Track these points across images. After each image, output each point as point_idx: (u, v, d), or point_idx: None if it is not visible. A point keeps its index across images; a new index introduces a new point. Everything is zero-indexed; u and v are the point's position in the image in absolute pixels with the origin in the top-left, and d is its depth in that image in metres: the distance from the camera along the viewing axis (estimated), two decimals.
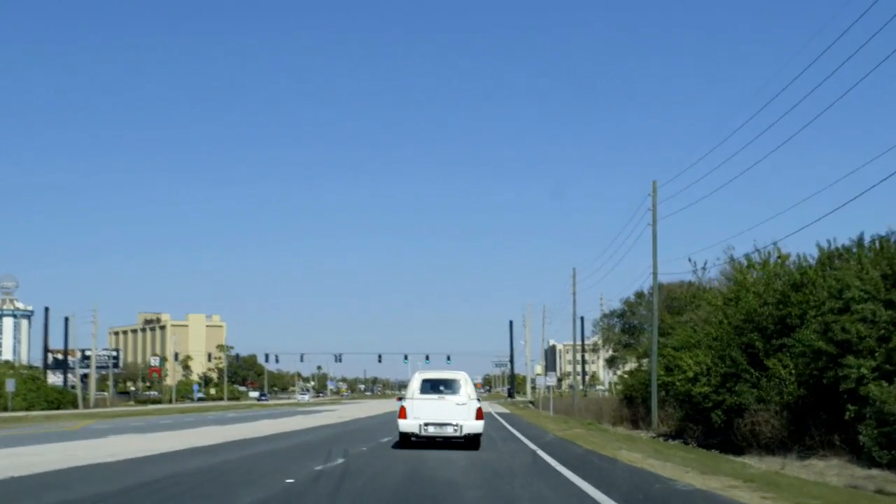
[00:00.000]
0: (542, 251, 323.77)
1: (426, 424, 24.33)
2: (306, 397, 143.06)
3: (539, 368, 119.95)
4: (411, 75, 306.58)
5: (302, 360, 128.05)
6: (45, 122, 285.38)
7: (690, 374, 35.37)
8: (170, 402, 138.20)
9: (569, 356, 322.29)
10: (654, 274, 44.09)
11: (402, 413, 24.68)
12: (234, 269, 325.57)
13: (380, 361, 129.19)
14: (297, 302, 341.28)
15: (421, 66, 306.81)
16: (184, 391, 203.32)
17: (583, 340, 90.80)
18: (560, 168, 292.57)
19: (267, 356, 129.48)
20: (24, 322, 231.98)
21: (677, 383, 36.89)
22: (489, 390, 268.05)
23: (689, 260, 44.44)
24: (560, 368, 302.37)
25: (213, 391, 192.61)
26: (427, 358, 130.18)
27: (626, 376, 56.96)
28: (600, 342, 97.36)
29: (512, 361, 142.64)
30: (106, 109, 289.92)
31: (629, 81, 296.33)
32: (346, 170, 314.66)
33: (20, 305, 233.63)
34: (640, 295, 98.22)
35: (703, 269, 46.63)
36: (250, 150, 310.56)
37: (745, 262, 37.75)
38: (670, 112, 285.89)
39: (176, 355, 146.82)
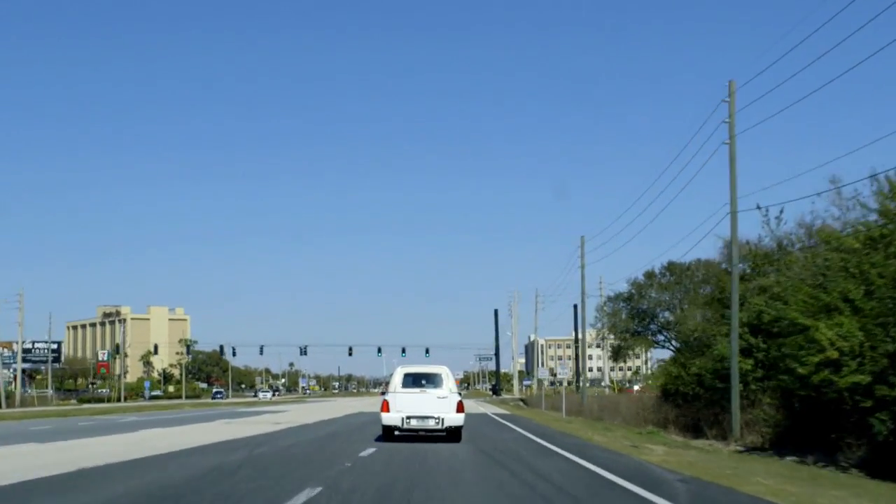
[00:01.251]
0: (528, 240, 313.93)
1: (408, 417, 24.56)
2: (268, 395, 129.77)
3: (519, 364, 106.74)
4: (396, 73, 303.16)
5: (262, 352, 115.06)
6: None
7: (833, 355, 21.74)
8: (118, 400, 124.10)
9: (551, 351, 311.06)
10: (733, 213, 30.66)
11: (385, 406, 24.91)
12: (200, 261, 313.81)
13: (350, 354, 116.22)
14: (267, 295, 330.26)
15: (407, 64, 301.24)
16: (141, 388, 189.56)
17: (583, 330, 77.50)
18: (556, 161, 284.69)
19: (222, 348, 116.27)
20: None
21: (799, 369, 23.23)
22: (468, 387, 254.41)
23: (759, 207, 29.75)
24: (542, 365, 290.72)
25: (171, 388, 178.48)
26: (403, 351, 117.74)
27: (667, 365, 43.27)
28: (605, 331, 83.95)
29: (497, 355, 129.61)
30: (69, 105, 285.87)
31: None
32: (309, 164, 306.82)
33: None
34: (650, 275, 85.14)
35: (779, 218, 33.19)
36: (222, 145, 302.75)
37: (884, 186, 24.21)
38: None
39: (117, 348, 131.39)
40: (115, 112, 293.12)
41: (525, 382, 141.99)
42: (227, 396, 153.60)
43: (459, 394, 25.78)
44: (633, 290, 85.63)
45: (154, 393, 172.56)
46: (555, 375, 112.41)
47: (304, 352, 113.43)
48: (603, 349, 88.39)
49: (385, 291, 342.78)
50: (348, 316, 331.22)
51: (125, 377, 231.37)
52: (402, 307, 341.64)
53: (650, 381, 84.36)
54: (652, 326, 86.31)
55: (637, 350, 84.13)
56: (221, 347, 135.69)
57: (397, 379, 25.42)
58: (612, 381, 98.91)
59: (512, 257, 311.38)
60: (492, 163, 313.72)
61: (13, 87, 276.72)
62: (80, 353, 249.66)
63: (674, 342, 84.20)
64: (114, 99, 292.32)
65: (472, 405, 76.10)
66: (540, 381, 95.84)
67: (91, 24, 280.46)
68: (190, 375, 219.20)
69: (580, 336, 70.79)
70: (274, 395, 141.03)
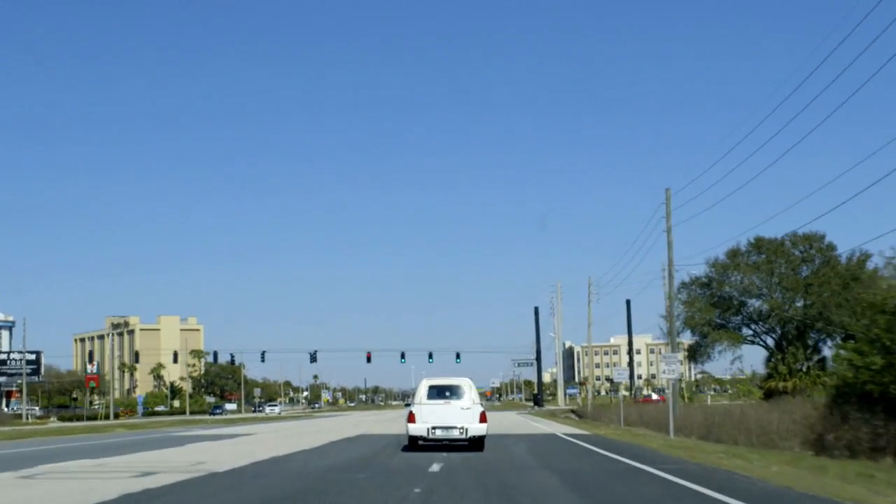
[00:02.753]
0: (562, 237, 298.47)
1: (433, 428, 25.39)
2: (275, 409, 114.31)
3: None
4: (398, 83, 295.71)
5: (263, 359, 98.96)
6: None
7: None
8: (106, 418, 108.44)
9: (587, 359, 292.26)
10: None
11: (411, 418, 25.75)
12: (213, 270, 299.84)
13: (368, 361, 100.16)
14: (285, 305, 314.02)
15: (413, 73, 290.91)
16: (147, 403, 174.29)
17: (671, 320, 61.04)
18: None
19: (233, 358, 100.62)
20: (6, 333, 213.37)
21: None
22: (500, 398, 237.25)
23: None
24: (579, 373, 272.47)
25: (177, 403, 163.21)
26: (430, 357, 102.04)
27: (858, 351, 26.18)
28: (680, 324, 67.20)
29: (539, 360, 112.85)
30: (80, 119, 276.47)
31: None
32: (333, 164, 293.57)
33: (0, 315, 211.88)
34: (734, 254, 68.66)
35: None
36: (228, 157, 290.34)
37: None
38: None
39: (114, 358, 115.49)
40: (124, 123, 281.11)
41: (569, 391, 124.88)
42: (241, 410, 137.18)
43: (482, 405, 26.60)
44: (714, 273, 68.92)
45: (159, 408, 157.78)
46: (610, 381, 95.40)
47: (314, 358, 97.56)
48: (678, 349, 71.09)
49: (409, 292, 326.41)
50: (370, 321, 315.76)
51: (134, 391, 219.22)
52: (428, 309, 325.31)
53: (748, 386, 67.68)
54: (735, 319, 69.76)
55: (719, 348, 67.34)
56: (233, 357, 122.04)
57: (422, 391, 26.09)
58: (687, 387, 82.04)
59: (549, 252, 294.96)
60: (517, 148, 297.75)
61: (22, 101, 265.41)
62: (89, 367, 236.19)
63: (770, 336, 67.45)
64: (118, 113, 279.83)
65: (517, 420, 59.57)
66: (641, 386, 78.86)
67: (104, 38, 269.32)
68: (203, 389, 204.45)
69: (670, 326, 54.01)
70: (283, 408, 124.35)
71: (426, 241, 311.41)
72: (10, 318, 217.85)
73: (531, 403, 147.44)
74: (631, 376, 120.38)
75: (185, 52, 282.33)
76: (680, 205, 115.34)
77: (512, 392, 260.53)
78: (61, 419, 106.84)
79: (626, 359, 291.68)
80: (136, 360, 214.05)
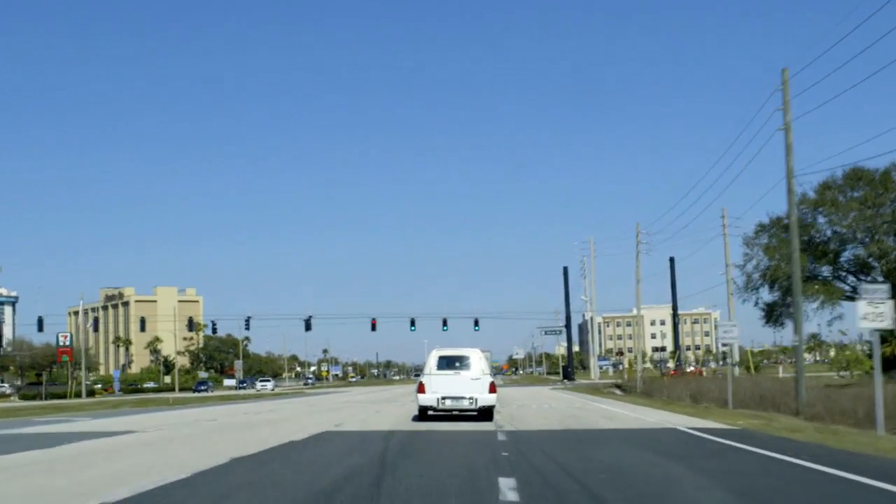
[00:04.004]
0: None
1: (443, 398, 25.34)
2: (268, 385, 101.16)
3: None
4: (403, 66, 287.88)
5: (248, 326, 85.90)
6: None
7: None
8: (77, 396, 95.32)
9: (609, 330, 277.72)
10: None
11: (421, 388, 25.74)
12: (214, 241, 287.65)
13: (373, 329, 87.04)
14: (289, 274, 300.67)
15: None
16: (133, 379, 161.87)
17: (674, 290, 47.05)
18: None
19: (213, 325, 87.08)
20: (8, 309, 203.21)
21: None
22: (516, 371, 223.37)
23: None
24: (600, 346, 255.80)
25: (168, 379, 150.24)
26: (444, 324, 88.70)
27: None
28: (758, 276, 53.23)
29: (569, 326, 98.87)
30: (74, 101, 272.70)
31: None
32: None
33: (3, 291, 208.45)
34: (826, 187, 54.49)
35: None
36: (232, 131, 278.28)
37: None
38: None
39: (96, 323, 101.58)
40: (120, 99, 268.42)
41: (601, 363, 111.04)
42: (249, 386, 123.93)
43: (492, 375, 26.84)
44: (801, 212, 54.61)
45: (148, 384, 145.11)
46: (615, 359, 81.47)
47: (308, 326, 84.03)
48: (753, 302, 56.94)
49: (420, 252, 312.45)
50: (377, 287, 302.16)
51: (129, 367, 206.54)
52: (442, 271, 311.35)
53: (856, 353, 53.83)
54: (824, 270, 55.76)
55: (813, 305, 53.18)
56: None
57: (432, 362, 26.08)
58: (750, 357, 67.93)
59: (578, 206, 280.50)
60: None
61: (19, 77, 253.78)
62: (82, 341, 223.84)
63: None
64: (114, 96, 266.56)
65: (565, 399, 45.85)
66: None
67: (95, 23, 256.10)
68: (202, 364, 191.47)
69: (795, 274, 40.09)
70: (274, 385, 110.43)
71: (439, 198, 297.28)
72: (14, 294, 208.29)
73: (555, 377, 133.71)
74: (676, 346, 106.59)
75: (181, 31, 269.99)
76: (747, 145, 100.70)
77: (529, 365, 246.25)
78: (23, 398, 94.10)
79: (649, 330, 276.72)
80: (142, 328, 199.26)
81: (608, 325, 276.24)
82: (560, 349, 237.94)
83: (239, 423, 26.19)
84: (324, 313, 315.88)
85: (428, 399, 25.32)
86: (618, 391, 64.29)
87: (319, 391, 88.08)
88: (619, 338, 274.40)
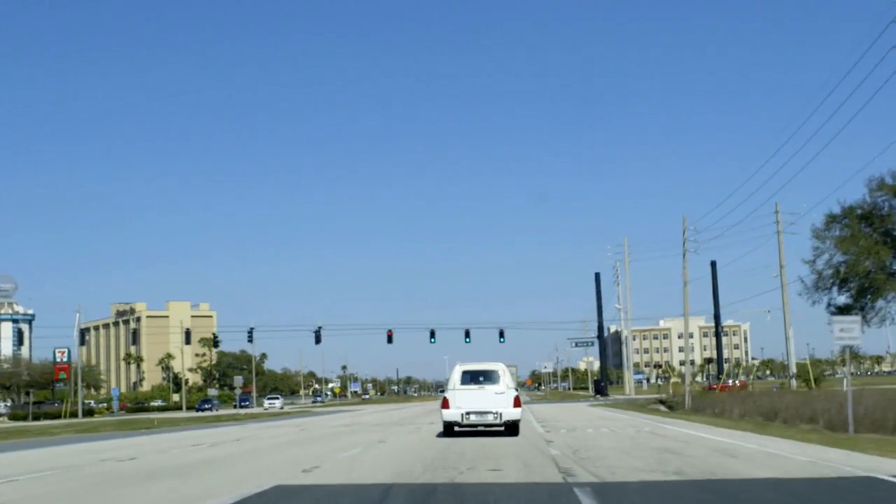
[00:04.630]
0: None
1: (468, 413, 24.94)
2: (276, 404, 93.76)
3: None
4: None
5: (251, 339, 78.89)
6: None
7: None
8: (73, 416, 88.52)
9: (636, 344, 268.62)
10: None
11: (445, 403, 25.45)
12: (228, 256, 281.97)
13: (390, 342, 79.89)
14: (302, 287, 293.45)
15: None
16: (144, 397, 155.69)
17: (716, 294, 39.52)
18: None
19: (215, 339, 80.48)
20: (26, 326, 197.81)
21: None
22: (539, 387, 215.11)
23: None
24: (626, 360, 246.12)
25: (177, 397, 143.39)
26: (467, 335, 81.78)
27: None
28: (831, 273, 45.77)
29: (602, 337, 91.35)
30: (86, 113, 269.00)
31: None
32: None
33: (20, 309, 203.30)
34: None
35: None
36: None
37: None
38: None
39: (82, 336, 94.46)
40: (130, 115, 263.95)
41: (636, 377, 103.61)
42: (253, 405, 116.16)
43: (516, 389, 26.72)
44: (882, 199, 47.35)
45: (155, 403, 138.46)
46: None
47: (318, 338, 77.17)
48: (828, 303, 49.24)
49: (440, 259, 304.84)
50: (394, 298, 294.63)
51: (141, 385, 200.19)
52: (464, 279, 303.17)
53: None
54: None
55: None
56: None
57: (455, 376, 25.75)
58: (810, 368, 60.10)
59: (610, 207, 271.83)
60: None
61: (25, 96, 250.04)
62: (94, 358, 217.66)
63: None
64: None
65: (621, 419, 38.32)
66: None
67: (105, 30, 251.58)
68: (216, 381, 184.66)
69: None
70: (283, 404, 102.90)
71: (458, 200, 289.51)
72: (30, 312, 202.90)
73: (583, 392, 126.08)
74: (720, 358, 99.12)
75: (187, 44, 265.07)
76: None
77: (553, 381, 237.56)
78: (13, 418, 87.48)
79: (678, 343, 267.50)
80: (134, 341, 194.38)
81: (634, 339, 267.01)
82: (583, 364, 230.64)
83: (153, 467, 18.08)
84: (337, 324, 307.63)
85: (452, 414, 25.07)
86: (662, 407, 57.01)
87: (329, 409, 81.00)
88: (646, 351, 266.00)
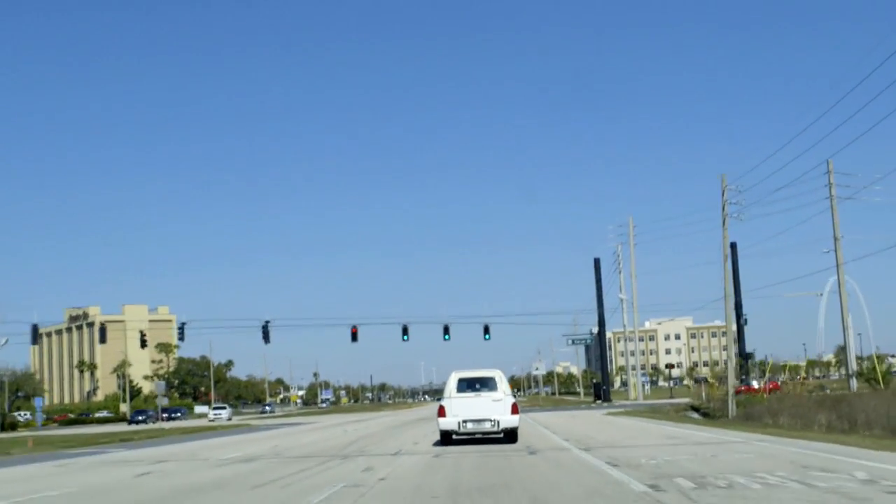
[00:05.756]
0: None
1: (465, 421, 24.63)
2: (224, 415, 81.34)
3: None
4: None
5: (181, 336, 66.93)
6: None
7: None
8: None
9: (621, 346, 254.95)
10: None
11: (441, 412, 25.05)
12: (188, 254, 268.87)
13: (354, 340, 68.08)
14: (268, 291, 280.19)
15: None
16: (98, 406, 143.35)
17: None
18: None
19: (181, 329, 68.40)
20: None
21: None
22: (517, 392, 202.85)
23: None
24: (611, 363, 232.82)
25: (124, 407, 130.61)
26: (446, 332, 70.34)
27: None
28: None
29: (602, 333, 79.78)
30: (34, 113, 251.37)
31: None
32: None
33: None
34: None
35: None
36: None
37: None
38: None
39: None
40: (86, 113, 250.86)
41: (643, 380, 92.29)
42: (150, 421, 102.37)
43: (514, 396, 26.03)
44: None
45: (101, 414, 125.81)
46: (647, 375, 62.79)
47: (266, 335, 65.11)
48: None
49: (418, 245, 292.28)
50: (360, 293, 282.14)
51: (95, 394, 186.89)
52: (444, 265, 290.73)
53: None
54: None
55: None
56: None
57: (452, 384, 25.33)
58: (877, 366, 48.33)
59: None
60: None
61: None
62: (46, 365, 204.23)
63: None
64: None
65: (676, 436, 26.24)
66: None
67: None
68: (174, 389, 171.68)
69: None
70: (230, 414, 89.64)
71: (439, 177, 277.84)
72: None
73: (573, 398, 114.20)
74: (742, 356, 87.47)
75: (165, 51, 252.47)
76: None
77: (530, 386, 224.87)
78: None
79: (664, 345, 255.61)
80: (102, 339, 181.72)
81: (619, 341, 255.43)
82: (559, 368, 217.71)
83: None
84: (290, 318, 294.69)
85: (449, 423, 24.74)
86: (695, 415, 45.45)
87: (267, 423, 67.82)
88: (632, 354, 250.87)
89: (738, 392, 57.85)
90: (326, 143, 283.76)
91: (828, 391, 52.43)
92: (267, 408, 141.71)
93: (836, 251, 50.43)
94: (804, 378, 64.40)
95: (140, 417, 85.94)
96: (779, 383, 58.85)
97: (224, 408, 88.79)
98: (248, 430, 52.35)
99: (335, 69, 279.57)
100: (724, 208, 44.66)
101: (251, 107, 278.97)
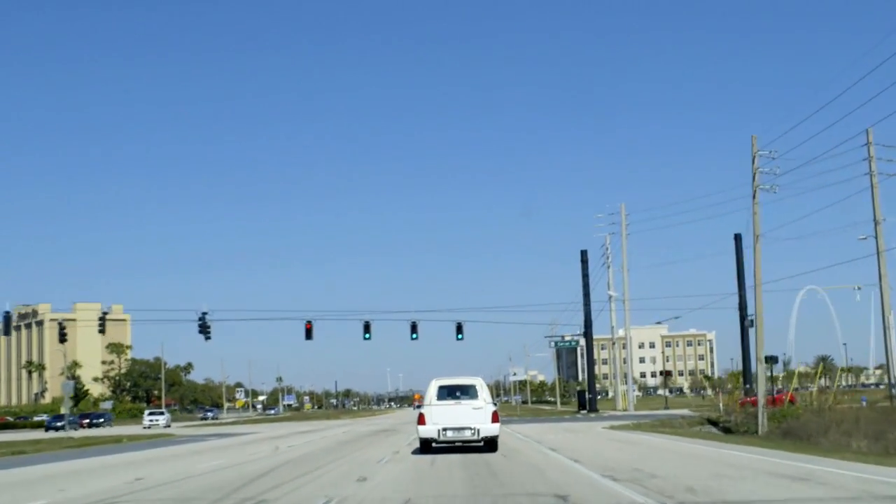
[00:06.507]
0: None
1: (444, 429, 24.42)
2: (161, 421, 72.68)
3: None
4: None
5: (102, 328, 58.93)
6: None
7: None
8: None
9: (605, 353, 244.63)
10: None
11: (421, 419, 24.76)
12: (142, 254, 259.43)
13: (309, 337, 59.61)
14: (227, 290, 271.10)
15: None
16: (43, 410, 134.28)
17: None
18: None
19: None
20: None
21: None
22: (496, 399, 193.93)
23: None
24: (582, 371, 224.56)
25: (65, 411, 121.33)
26: (413, 331, 62.39)
27: None
28: None
29: (589, 334, 71.81)
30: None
31: None
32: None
33: None
34: None
35: None
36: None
37: None
38: None
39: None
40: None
41: (632, 389, 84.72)
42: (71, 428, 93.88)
43: (495, 404, 25.51)
44: None
45: (39, 417, 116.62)
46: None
47: (204, 330, 57.06)
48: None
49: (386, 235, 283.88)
50: (319, 286, 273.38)
51: (43, 396, 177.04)
52: (413, 259, 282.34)
53: None
54: None
55: None
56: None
57: (432, 391, 25.11)
58: None
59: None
60: None
61: None
62: None
63: None
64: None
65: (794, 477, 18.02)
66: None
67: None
68: (125, 392, 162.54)
69: None
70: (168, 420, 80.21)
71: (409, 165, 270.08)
72: None
73: (548, 407, 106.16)
74: (745, 361, 79.65)
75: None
76: None
77: (499, 394, 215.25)
78: None
79: (638, 354, 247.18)
80: (62, 339, 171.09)
81: (602, 348, 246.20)
82: (527, 377, 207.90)
83: None
84: (231, 308, 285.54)
85: (428, 431, 24.55)
86: (713, 429, 37.39)
87: (207, 431, 59.35)
88: (605, 362, 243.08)
89: (745, 403, 50.12)
90: (319, 146, 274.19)
91: (864, 401, 44.67)
92: (209, 414, 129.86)
93: (876, 237, 42.57)
94: (837, 387, 56.56)
95: (58, 423, 76.36)
96: (791, 393, 50.92)
97: (162, 413, 79.87)
98: (165, 443, 43.78)
99: (332, 72, 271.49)
100: (754, 177, 36.70)
101: (248, 108, 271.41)
